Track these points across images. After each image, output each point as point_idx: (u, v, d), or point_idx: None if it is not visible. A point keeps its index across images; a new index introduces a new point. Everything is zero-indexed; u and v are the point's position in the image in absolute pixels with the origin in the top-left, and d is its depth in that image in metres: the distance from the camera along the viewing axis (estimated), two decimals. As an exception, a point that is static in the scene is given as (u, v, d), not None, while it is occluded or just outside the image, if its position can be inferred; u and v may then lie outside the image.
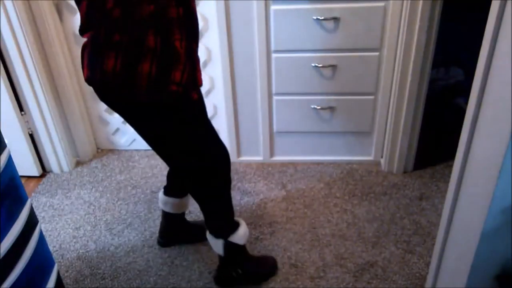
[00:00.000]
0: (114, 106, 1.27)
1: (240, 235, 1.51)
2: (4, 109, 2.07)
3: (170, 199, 1.68)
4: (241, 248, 1.56)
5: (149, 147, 2.42)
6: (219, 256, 1.57)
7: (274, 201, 2.03)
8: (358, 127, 2.17)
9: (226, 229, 1.51)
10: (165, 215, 1.75)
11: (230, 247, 1.51)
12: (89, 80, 1.21)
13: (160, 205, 1.73)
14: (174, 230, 1.79)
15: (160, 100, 1.19)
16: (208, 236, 1.54)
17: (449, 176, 1.23)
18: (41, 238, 1.26)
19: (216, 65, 2.15)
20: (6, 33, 1.92)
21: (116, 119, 2.38)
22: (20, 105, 2.12)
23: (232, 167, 2.26)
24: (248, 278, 1.61)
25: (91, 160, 2.41)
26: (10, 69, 2.02)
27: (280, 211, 1.97)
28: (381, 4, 1.84)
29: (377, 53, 1.95)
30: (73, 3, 2.03)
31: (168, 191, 1.69)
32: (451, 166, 1.21)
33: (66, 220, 1.99)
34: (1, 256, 1.05)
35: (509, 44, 0.90)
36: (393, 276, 1.64)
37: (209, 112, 2.30)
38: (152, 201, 2.07)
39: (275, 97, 2.12)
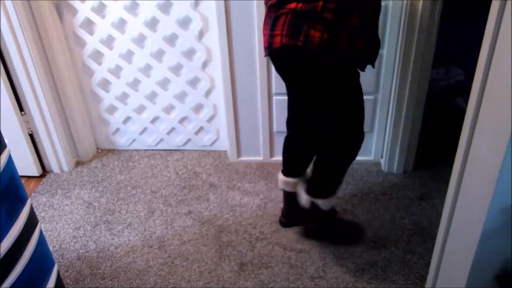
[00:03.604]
0: (303, 69, 1.42)
1: (327, 203, 1.69)
2: (4, 109, 2.07)
3: (290, 179, 1.75)
4: (324, 212, 1.71)
5: (149, 147, 2.44)
6: (305, 209, 1.75)
7: (274, 201, 2.03)
8: (358, 127, 2.17)
9: (319, 192, 1.68)
10: (287, 195, 1.80)
11: (313, 206, 1.69)
12: (286, 46, 1.34)
13: (281, 186, 1.79)
14: (296, 210, 1.81)
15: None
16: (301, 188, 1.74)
17: (449, 176, 1.23)
18: (41, 238, 1.26)
19: (216, 65, 2.15)
20: (6, 33, 1.92)
21: (116, 119, 2.38)
22: (20, 105, 2.12)
23: (232, 167, 2.28)
24: (325, 234, 1.78)
25: (91, 160, 2.41)
26: (10, 69, 2.02)
27: (280, 211, 1.97)
28: (381, 4, 1.83)
29: (377, 53, 1.95)
30: (73, 3, 2.03)
31: (287, 172, 1.76)
32: (451, 166, 1.21)
33: (66, 220, 1.99)
34: (1, 256, 1.05)
35: (509, 44, 0.90)
36: (393, 276, 1.64)
37: (209, 112, 2.30)
38: (152, 201, 2.07)
39: (275, 97, 2.12)
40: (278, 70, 1.54)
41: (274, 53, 1.44)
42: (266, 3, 1.45)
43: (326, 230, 1.79)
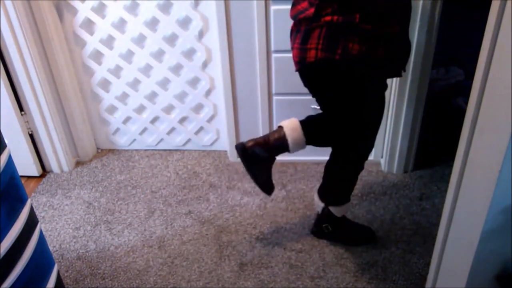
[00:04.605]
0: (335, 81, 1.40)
1: (340, 210, 1.70)
2: (4, 109, 2.08)
3: (298, 125, 1.53)
4: (337, 218, 1.73)
5: (149, 147, 2.44)
6: (318, 212, 1.78)
7: (274, 201, 2.03)
8: (358, 127, 2.17)
9: (332, 199, 1.70)
10: (278, 135, 1.56)
11: (327, 212, 1.71)
12: (322, 60, 1.32)
13: (282, 124, 1.56)
14: (266, 147, 1.57)
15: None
16: (316, 193, 1.74)
17: (449, 176, 1.23)
18: (41, 238, 1.26)
19: (216, 65, 2.15)
20: (6, 33, 1.92)
21: (116, 119, 2.38)
22: (20, 105, 2.12)
23: (232, 167, 2.28)
24: (337, 237, 1.78)
25: (91, 160, 2.41)
26: (10, 69, 2.02)
27: (280, 211, 1.97)
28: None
29: (377, 53, 1.95)
30: (73, 3, 2.03)
31: (303, 121, 1.56)
32: (451, 166, 1.21)
33: (66, 220, 1.99)
34: (1, 256, 1.05)
35: (509, 44, 0.90)
36: (393, 276, 1.64)
37: (209, 112, 2.30)
38: (152, 201, 2.07)
39: (275, 97, 2.12)
40: (307, 84, 1.48)
41: (307, 67, 1.40)
42: (294, 17, 1.40)
43: (338, 233, 1.78)
